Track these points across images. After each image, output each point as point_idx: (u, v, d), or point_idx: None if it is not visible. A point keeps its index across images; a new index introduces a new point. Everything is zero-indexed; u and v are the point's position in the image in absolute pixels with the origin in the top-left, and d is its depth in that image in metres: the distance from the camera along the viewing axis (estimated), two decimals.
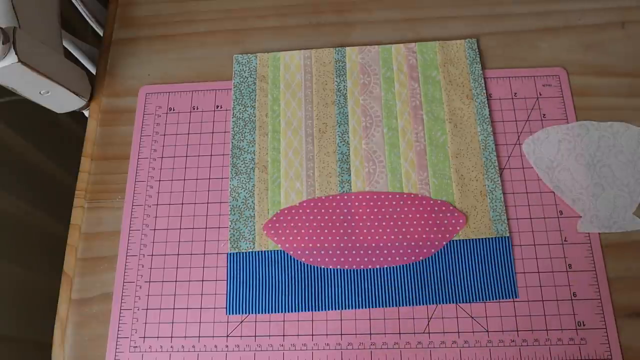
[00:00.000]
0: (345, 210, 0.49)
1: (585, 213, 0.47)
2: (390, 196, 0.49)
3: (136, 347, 0.46)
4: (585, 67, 0.53)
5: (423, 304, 0.45)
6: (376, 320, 0.46)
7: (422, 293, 0.46)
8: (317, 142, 0.52)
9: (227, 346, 0.46)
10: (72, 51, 0.62)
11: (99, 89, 0.57)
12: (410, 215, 0.47)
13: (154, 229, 0.50)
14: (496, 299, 0.45)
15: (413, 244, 0.46)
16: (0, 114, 0.59)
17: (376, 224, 0.48)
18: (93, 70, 0.64)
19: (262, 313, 0.46)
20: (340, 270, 0.47)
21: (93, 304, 0.48)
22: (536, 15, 0.56)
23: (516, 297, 0.45)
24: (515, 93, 0.52)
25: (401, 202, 0.48)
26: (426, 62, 0.54)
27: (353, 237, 0.48)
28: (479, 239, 0.47)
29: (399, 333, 0.45)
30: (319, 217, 0.49)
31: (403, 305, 0.46)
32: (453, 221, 0.47)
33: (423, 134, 0.51)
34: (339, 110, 0.53)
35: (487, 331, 0.45)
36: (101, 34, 0.63)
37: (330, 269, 0.47)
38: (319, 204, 0.49)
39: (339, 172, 0.50)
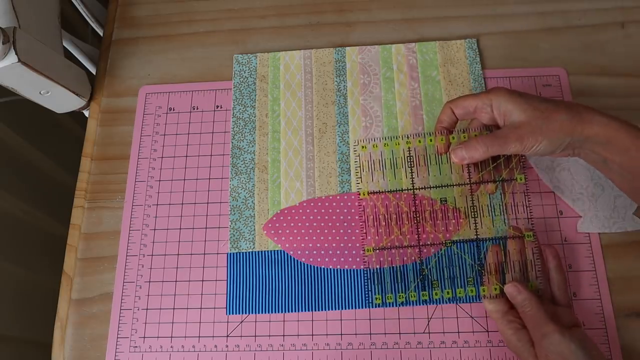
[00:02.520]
0: (345, 210, 0.49)
1: (585, 213, 0.47)
2: (390, 196, 0.49)
3: (136, 347, 0.46)
4: (585, 67, 0.53)
5: (423, 304, 0.45)
6: (376, 320, 0.46)
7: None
8: (317, 142, 0.52)
9: (227, 346, 0.46)
10: (72, 51, 0.62)
11: (99, 89, 0.57)
12: (410, 215, 0.47)
13: (154, 229, 0.50)
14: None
15: (413, 244, 0.46)
16: (0, 114, 0.59)
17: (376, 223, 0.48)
18: (93, 70, 0.64)
19: (262, 313, 0.46)
20: (340, 270, 0.47)
21: (93, 304, 0.48)
22: (536, 15, 0.56)
23: None
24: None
25: (401, 202, 0.48)
26: (426, 62, 0.54)
27: (353, 237, 0.48)
28: (479, 239, 0.47)
29: (399, 333, 0.45)
30: (319, 217, 0.49)
31: (403, 305, 0.46)
32: (453, 221, 0.47)
33: (423, 134, 0.51)
34: (339, 110, 0.53)
35: (487, 331, 0.45)
36: (101, 34, 0.63)
37: (330, 269, 0.47)
38: (319, 204, 0.49)
39: (339, 172, 0.50)
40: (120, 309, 0.47)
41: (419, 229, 0.46)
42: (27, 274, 0.62)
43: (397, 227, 0.46)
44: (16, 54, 0.44)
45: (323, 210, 0.49)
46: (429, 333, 0.45)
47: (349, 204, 0.49)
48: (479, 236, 0.45)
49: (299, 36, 0.57)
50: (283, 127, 0.53)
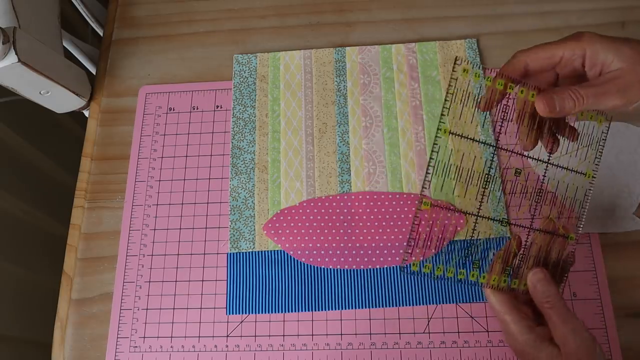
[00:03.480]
0: (345, 210, 0.49)
1: (586, 213, 0.47)
2: (390, 196, 0.49)
3: (136, 347, 0.46)
4: None
5: (423, 304, 0.45)
6: (376, 320, 0.46)
7: (422, 293, 0.46)
8: (317, 142, 0.52)
9: (227, 346, 0.46)
10: (72, 51, 0.62)
11: (99, 89, 0.57)
12: (410, 215, 0.47)
13: (154, 229, 0.50)
14: None
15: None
16: (0, 114, 0.59)
17: (376, 224, 0.48)
18: (93, 70, 0.64)
19: (262, 313, 0.46)
20: (340, 270, 0.47)
21: (93, 304, 0.48)
22: (536, 15, 0.56)
23: None
24: (516, 93, 0.52)
25: (401, 202, 0.48)
26: (426, 62, 0.54)
27: (353, 237, 0.48)
28: (479, 239, 0.47)
29: (399, 333, 0.45)
30: (319, 217, 0.49)
31: (403, 305, 0.46)
32: (453, 221, 0.47)
33: (423, 134, 0.51)
34: (339, 110, 0.53)
35: (487, 331, 0.45)
36: (101, 34, 0.63)
37: (330, 269, 0.47)
38: (319, 204, 0.49)
39: (339, 172, 0.50)
40: (120, 309, 0.47)
41: (482, 197, 0.39)
42: (27, 274, 0.62)
43: (464, 184, 0.40)
44: (16, 54, 0.44)
45: (323, 210, 0.49)
46: (429, 333, 0.45)
47: (349, 204, 0.49)
48: (533, 225, 0.39)
49: (299, 36, 0.57)
50: (283, 127, 0.53)
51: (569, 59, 0.35)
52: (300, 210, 0.49)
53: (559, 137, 0.38)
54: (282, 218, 0.49)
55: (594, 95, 0.33)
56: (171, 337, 0.46)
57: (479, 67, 0.53)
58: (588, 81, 0.35)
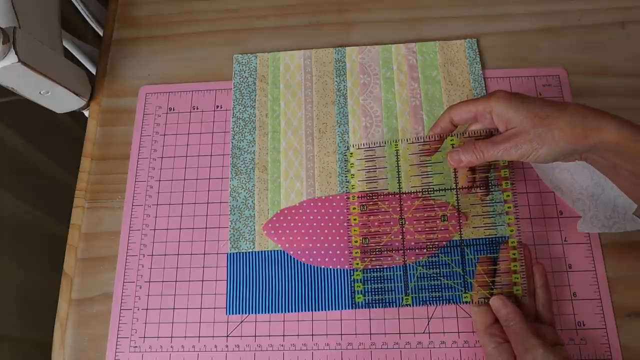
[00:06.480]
0: (345, 210, 0.49)
1: (585, 213, 0.47)
2: (390, 196, 0.49)
3: (136, 347, 0.46)
4: (585, 67, 0.53)
5: (423, 304, 0.45)
6: (376, 320, 0.46)
7: (422, 293, 0.46)
8: (317, 142, 0.52)
9: (227, 346, 0.46)
10: (72, 51, 0.62)
11: (99, 89, 0.57)
12: (410, 215, 0.47)
13: (154, 229, 0.50)
14: None
15: (413, 244, 0.46)
16: (0, 114, 0.59)
17: (376, 223, 0.48)
18: (93, 70, 0.64)
19: (262, 313, 0.46)
20: (340, 270, 0.47)
21: (93, 304, 0.48)
22: (536, 15, 0.56)
23: None
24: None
25: (401, 202, 0.48)
26: (426, 62, 0.54)
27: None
28: (479, 239, 0.47)
29: (399, 333, 0.45)
30: (319, 217, 0.49)
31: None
32: (453, 221, 0.47)
33: (423, 134, 0.51)
34: (339, 110, 0.53)
35: None
36: (101, 34, 0.63)
37: (330, 269, 0.47)
38: (319, 204, 0.49)
39: (339, 172, 0.50)
40: (120, 309, 0.47)
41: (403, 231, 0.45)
42: (27, 274, 0.62)
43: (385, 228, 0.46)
44: (16, 54, 0.44)
45: (323, 210, 0.49)
46: (429, 333, 0.45)
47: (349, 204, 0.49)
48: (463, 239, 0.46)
49: (299, 36, 0.57)
50: (283, 127, 0.53)
51: (483, 114, 0.40)
52: (300, 210, 0.49)
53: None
54: (282, 218, 0.49)
55: (495, 150, 0.39)
56: (171, 337, 0.46)
57: (479, 66, 0.53)
58: (497, 134, 0.40)
